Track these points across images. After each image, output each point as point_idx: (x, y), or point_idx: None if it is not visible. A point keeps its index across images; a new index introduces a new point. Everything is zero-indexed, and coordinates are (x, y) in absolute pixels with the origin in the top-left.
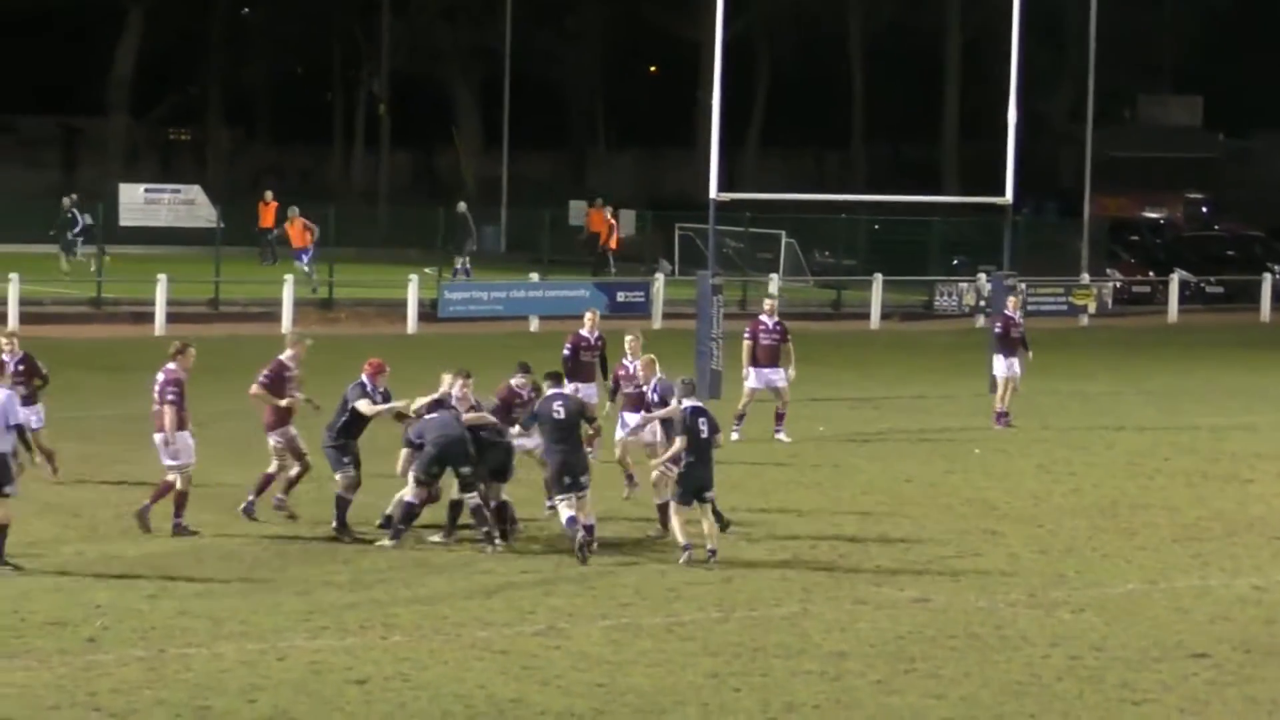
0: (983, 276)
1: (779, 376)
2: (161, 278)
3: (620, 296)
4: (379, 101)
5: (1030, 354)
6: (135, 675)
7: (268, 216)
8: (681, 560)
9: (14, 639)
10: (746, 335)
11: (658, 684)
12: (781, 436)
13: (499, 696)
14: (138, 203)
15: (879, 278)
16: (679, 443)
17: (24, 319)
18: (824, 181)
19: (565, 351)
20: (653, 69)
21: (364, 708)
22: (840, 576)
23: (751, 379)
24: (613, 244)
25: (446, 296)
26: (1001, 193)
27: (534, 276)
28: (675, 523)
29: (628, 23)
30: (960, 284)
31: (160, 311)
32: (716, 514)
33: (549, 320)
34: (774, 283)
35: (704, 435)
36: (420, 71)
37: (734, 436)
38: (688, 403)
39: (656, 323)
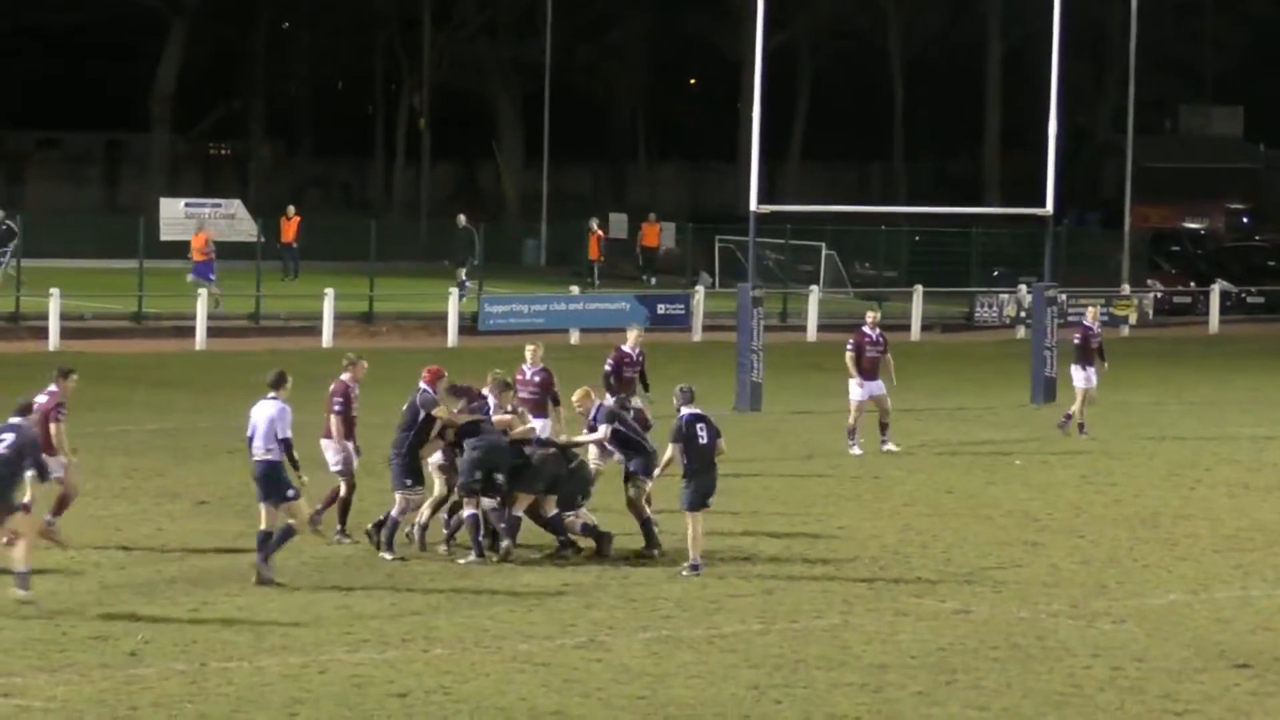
0: (1023, 288)
1: (880, 387)
2: (202, 292)
3: (661, 309)
4: (420, 116)
5: (1106, 365)
6: (177, 689)
7: (289, 231)
8: (683, 571)
9: (56, 653)
10: (850, 347)
11: (699, 696)
12: (890, 446)
13: (540, 709)
14: (178, 217)
15: (919, 289)
16: (671, 450)
17: (65, 334)
18: (865, 194)
19: (607, 367)
20: (694, 82)
21: None
22: (881, 588)
23: (858, 391)
24: (594, 254)
25: (487, 310)
26: (1042, 204)
27: (574, 290)
28: (693, 532)
29: (669, 36)
30: (1001, 295)
31: (201, 326)
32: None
33: (590, 333)
34: (814, 294)
35: (703, 441)
36: (462, 85)
37: (855, 451)
38: (686, 410)
39: (697, 335)
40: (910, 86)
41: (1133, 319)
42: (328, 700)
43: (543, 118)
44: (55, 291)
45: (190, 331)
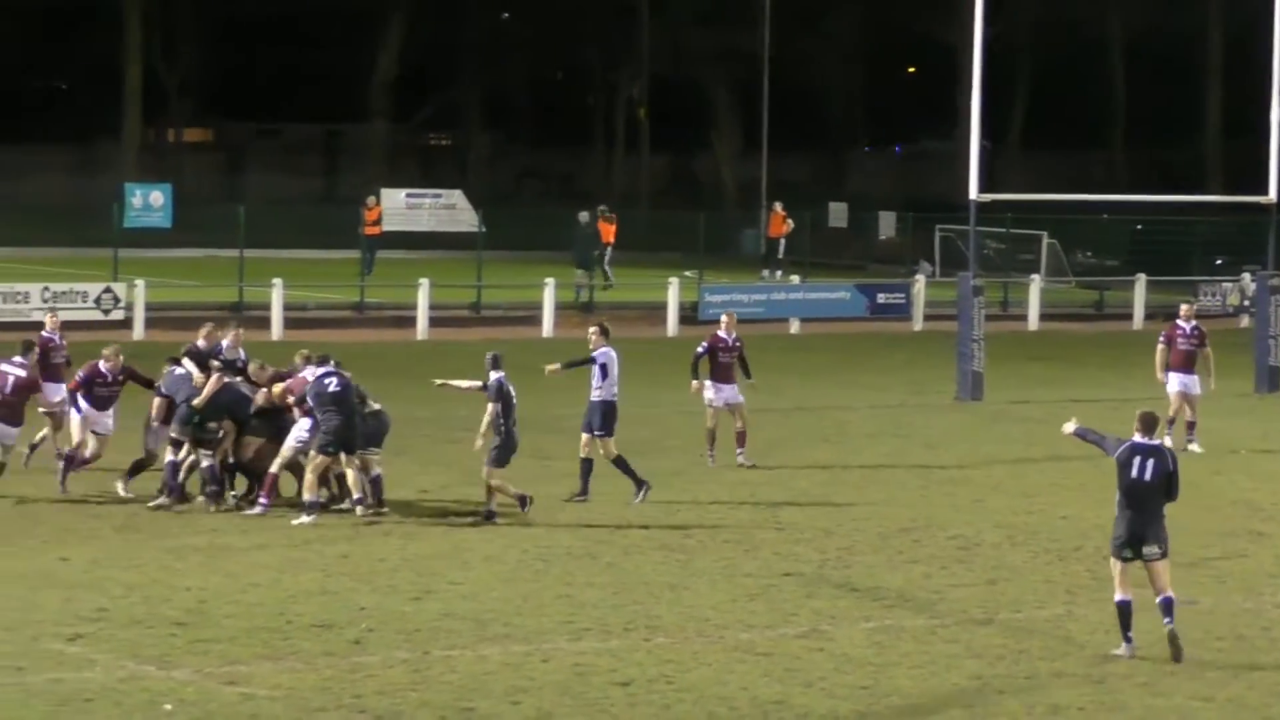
0: (1246, 276)
1: (1194, 383)
2: (423, 282)
3: (881, 298)
4: (639, 105)
5: None
6: (400, 677)
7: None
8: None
9: (281, 641)
10: (1162, 339)
11: (921, 686)
12: (1194, 447)
13: (762, 698)
14: (399, 207)
15: (1142, 278)
16: (491, 409)
17: (288, 323)
18: (1085, 182)
19: (700, 349)
20: (911, 70)
21: (628, 710)
22: (1104, 578)
23: (1173, 384)
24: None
25: (707, 299)
26: (1265, 191)
27: (794, 279)
28: (495, 485)
29: (886, 25)
30: (1224, 284)
31: (422, 316)
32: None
33: (809, 323)
34: (1035, 283)
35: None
36: (678, 75)
37: (1193, 447)
38: (496, 375)
39: (917, 324)
40: (1130, 74)
41: None
42: (550, 689)
43: (760, 106)
44: (278, 282)
45: (411, 322)
